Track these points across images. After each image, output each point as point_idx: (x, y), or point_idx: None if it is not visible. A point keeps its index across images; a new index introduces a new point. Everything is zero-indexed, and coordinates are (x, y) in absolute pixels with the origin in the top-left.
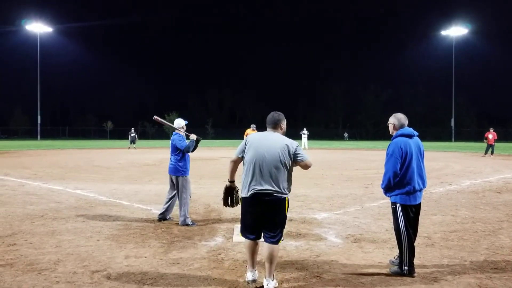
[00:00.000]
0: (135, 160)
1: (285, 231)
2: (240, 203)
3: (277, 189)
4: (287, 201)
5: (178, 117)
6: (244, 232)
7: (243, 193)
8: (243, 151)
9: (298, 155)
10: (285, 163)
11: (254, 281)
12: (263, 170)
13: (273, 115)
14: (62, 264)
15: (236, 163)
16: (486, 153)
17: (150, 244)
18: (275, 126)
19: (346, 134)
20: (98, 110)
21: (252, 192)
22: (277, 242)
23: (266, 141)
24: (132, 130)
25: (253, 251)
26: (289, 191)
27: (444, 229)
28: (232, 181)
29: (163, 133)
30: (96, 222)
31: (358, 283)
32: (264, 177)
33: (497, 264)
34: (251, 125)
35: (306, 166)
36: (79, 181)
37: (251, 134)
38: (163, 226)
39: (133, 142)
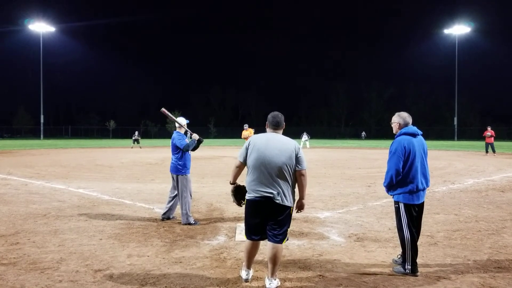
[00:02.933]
0: (138, 159)
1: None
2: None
3: (282, 191)
4: (292, 206)
5: (180, 116)
6: (249, 233)
7: (247, 196)
8: (246, 155)
9: (300, 160)
10: (291, 165)
11: (247, 280)
12: (269, 172)
13: (276, 116)
14: (65, 263)
15: (240, 168)
16: (487, 151)
17: (152, 243)
18: (278, 127)
19: (363, 134)
20: (100, 109)
21: (257, 195)
22: (281, 241)
23: (273, 143)
24: (136, 133)
25: (253, 253)
26: (294, 196)
27: (447, 228)
28: (233, 183)
29: (166, 132)
30: (98, 221)
31: (361, 282)
32: (270, 179)
33: (501, 263)
34: (244, 125)
35: (301, 176)
36: (81, 180)
37: (254, 136)
38: (166, 225)
39: (136, 141)
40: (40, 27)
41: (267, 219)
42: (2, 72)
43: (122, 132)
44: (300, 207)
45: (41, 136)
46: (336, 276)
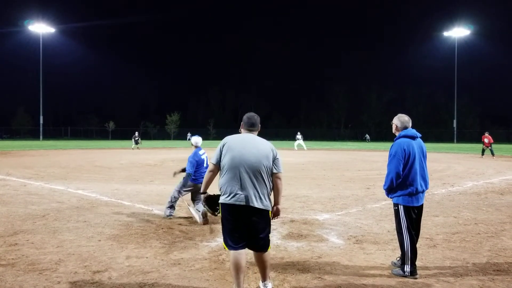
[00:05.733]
0: (137, 161)
1: (286, 232)
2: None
3: (258, 194)
4: (270, 210)
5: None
6: (228, 241)
7: (221, 198)
8: (220, 156)
9: (277, 162)
10: (268, 167)
11: None
12: (246, 172)
13: (251, 117)
14: (63, 264)
15: (213, 173)
16: (482, 154)
17: (151, 245)
18: (253, 128)
19: (367, 136)
20: (100, 111)
21: (232, 197)
22: (264, 248)
23: (249, 143)
24: (136, 134)
25: (240, 268)
26: (270, 199)
27: (446, 230)
28: (204, 193)
29: (165, 133)
30: (97, 222)
31: (360, 285)
32: (247, 180)
33: (500, 266)
34: None
35: (277, 180)
36: (80, 181)
37: (229, 136)
38: (165, 227)
39: (136, 143)
40: (40, 28)
41: (245, 224)
42: (2, 73)
43: (122, 133)
44: (276, 213)
45: (41, 137)
46: (335, 278)
